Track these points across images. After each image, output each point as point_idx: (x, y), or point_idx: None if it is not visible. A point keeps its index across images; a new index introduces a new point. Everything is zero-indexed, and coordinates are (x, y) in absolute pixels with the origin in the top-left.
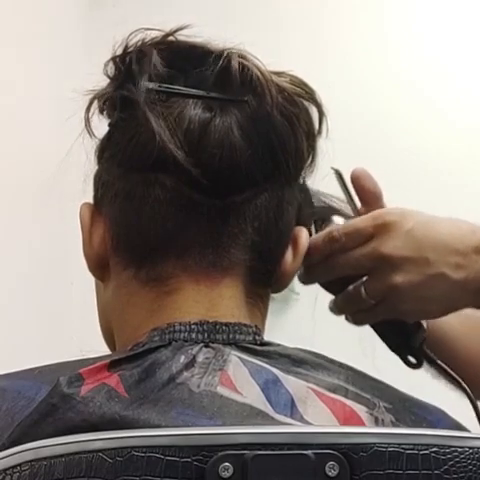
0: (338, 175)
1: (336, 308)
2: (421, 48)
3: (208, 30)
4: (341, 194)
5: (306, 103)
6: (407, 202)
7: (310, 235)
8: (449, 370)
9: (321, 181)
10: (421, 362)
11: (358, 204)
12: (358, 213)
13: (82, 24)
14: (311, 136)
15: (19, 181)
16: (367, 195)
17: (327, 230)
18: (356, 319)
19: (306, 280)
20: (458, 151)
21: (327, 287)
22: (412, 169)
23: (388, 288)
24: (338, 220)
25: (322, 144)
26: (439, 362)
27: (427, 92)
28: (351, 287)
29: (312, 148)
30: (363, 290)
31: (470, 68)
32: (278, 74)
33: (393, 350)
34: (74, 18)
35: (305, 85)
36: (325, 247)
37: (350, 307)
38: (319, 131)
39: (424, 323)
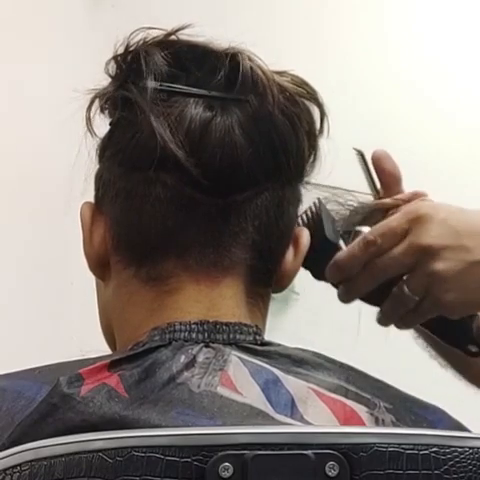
0: (360, 156)
1: (383, 317)
2: (421, 47)
3: (209, 30)
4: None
5: (307, 103)
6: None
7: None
8: None
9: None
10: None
11: (378, 185)
12: (378, 196)
13: (83, 23)
14: (312, 136)
15: (19, 181)
16: (387, 178)
17: (361, 237)
18: (405, 322)
19: (347, 297)
20: (458, 151)
21: (369, 300)
22: (412, 169)
23: (430, 278)
24: (364, 230)
25: (323, 144)
26: None
27: (427, 92)
28: (394, 289)
29: (313, 148)
30: (406, 289)
31: (471, 68)
32: (280, 73)
33: (452, 344)
34: (75, 17)
35: (307, 85)
36: (362, 253)
37: (396, 311)
38: (320, 131)
39: None
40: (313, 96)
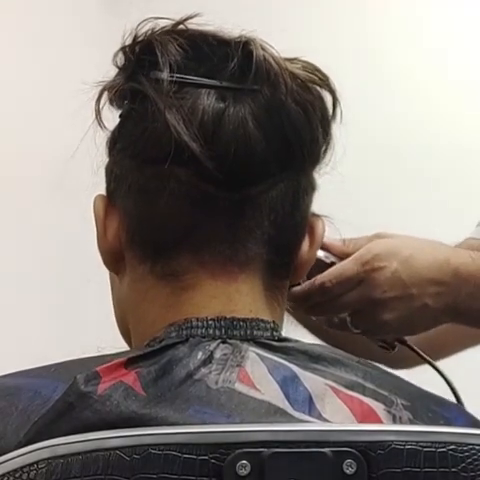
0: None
1: (317, 321)
2: (437, 33)
3: (220, 17)
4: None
5: (319, 89)
6: (419, 188)
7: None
8: (421, 352)
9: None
10: (394, 346)
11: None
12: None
13: (101, 19)
14: (326, 123)
15: (36, 178)
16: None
17: (318, 281)
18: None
19: (293, 308)
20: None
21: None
22: (424, 155)
23: (377, 323)
24: (319, 252)
25: (336, 130)
26: (411, 345)
27: (442, 77)
28: (336, 319)
29: (327, 134)
30: (349, 321)
31: None
32: (291, 61)
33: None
34: (92, 13)
35: (319, 71)
36: (316, 294)
37: (332, 329)
38: (333, 117)
39: None
40: (325, 82)
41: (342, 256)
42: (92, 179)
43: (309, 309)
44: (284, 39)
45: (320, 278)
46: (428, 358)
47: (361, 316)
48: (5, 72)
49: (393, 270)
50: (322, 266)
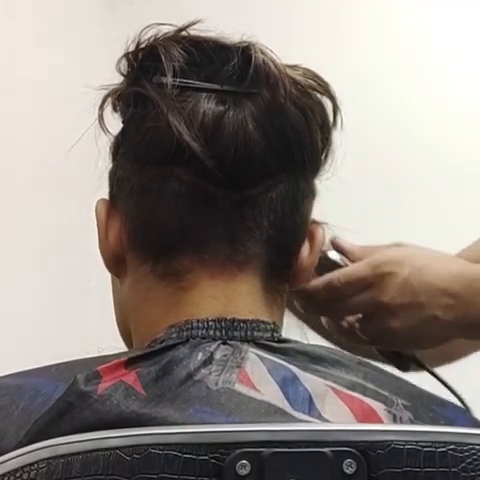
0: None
1: (328, 329)
2: (435, 39)
3: (223, 23)
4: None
5: (320, 96)
6: (420, 192)
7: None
8: (439, 375)
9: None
10: (408, 367)
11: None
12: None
13: (101, 20)
14: (326, 128)
15: (37, 178)
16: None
17: (327, 278)
18: (349, 347)
19: (304, 310)
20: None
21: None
22: (424, 159)
23: (385, 331)
24: (334, 255)
25: (336, 136)
26: (429, 368)
27: (441, 84)
28: (345, 324)
29: (327, 140)
30: (358, 328)
31: None
32: (291, 67)
33: (386, 358)
34: (93, 14)
35: (319, 78)
36: (325, 295)
37: (342, 338)
38: (333, 124)
39: None
40: (325, 89)
41: (358, 261)
42: (92, 179)
43: (317, 307)
44: (286, 45)
45: (329, 276)
46: (443, 379)
47: (369, 322)
48: (4, 72)
49: (405, 277)
50: (336, 269)
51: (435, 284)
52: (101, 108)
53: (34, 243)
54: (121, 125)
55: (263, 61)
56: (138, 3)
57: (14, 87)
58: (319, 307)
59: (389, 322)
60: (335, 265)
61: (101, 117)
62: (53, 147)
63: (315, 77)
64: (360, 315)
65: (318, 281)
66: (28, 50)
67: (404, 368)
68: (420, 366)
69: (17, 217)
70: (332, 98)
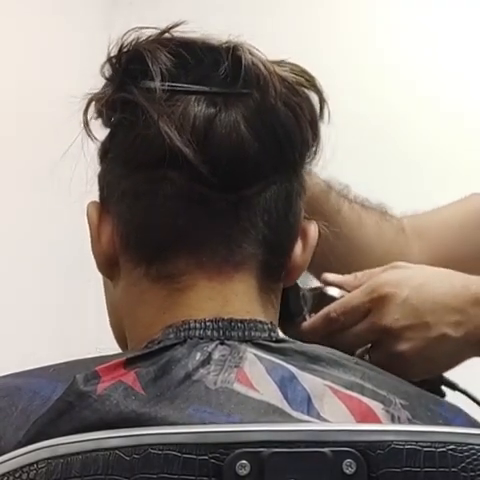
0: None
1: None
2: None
3: (219, 21)
4: None
5: (307, 91)
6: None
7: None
8: (472, 394)
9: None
10: (441, 391)
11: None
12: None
13: (101, 21)
14: (314, 124)
15: (37, 179)
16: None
17: (323, 312)
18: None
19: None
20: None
21: None
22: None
23: (394, 357)
24: (332, 291)
25: (324, 130)
26: (461, 387)
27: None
28: (356, 355)
29: (316, 136)
30: (368, 358)
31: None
32: (278, 63)
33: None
34: (93, 15)
35: (305, 73)
36: (324, 328)
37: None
38: (320, 117)
39: None
40: (312, 83)
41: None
42: (92, 179)
43: (319, 344)
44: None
45: (325, 309)
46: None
47: (377, 350)
48: (4, 72)
49: (404, 297)
50: None
51: (438, 301)
52: (85, 113)
53: (34, 243)
54: (106, 129)
55: (252, 62)
56: (138, 3)
57: (14, 87)
58: (321, 343)
59: (396, 346)
60: (334, 300)
61: (86, 123)
62: (53, 147)
63: (302, 72)
64: (369, 346)
65: (315, 317)
66: (28, 50)
67: (439, 393)
68: (451, 387)
69: (17, 217)
70: (319, 92)
